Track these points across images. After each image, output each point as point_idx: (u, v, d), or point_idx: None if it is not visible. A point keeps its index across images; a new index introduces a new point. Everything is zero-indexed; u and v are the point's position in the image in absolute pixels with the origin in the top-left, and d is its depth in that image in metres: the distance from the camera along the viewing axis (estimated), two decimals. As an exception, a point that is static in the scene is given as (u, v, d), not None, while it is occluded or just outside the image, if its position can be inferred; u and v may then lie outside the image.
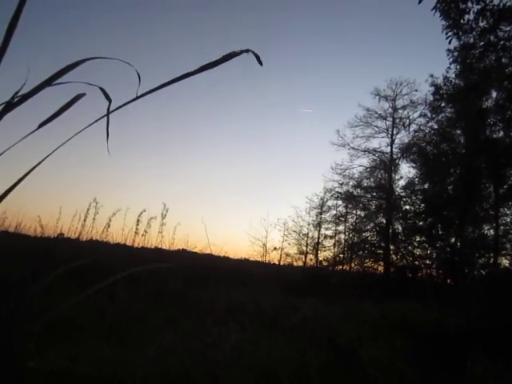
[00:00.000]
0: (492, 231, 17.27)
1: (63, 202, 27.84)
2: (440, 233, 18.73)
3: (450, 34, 11.96)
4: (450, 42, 11.96)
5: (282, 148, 38.73)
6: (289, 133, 37.23)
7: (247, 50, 0.89)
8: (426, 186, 19.76)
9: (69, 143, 1.09)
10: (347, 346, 4.56)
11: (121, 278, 1.28)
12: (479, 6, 10.89)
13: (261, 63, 0.90)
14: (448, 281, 17.33)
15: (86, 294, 1.14)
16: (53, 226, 9.47)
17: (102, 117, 1.09)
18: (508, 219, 17.14)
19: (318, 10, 34.76)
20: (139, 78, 1.10)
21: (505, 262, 17.10)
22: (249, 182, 38.60)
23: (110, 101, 1.11)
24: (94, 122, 1.05)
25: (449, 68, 17.28)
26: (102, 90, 1.11)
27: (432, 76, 18.04)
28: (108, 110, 1.11)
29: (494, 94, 16.51)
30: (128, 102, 1.04)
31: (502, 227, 17.03)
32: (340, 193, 22.08)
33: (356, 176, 21.99)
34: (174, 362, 3.44)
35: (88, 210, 9.33)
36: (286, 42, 36.74)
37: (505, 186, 16.63)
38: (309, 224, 22.46)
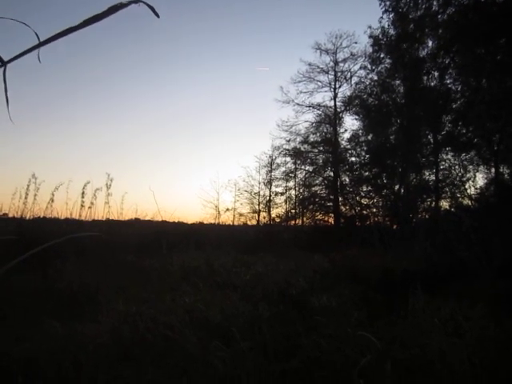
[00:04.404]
0: (432, 176, 18.11)
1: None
2: (385, 181, 19.47)
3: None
4: None
5: (230, 108, 38.03)
6: (238, 92, 36.47)
7: (137, 1, 0.78)
8: (369, 137, 20.29)
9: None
10: (298, 297, 4.74)
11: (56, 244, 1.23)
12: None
13: (157, 15, 0.82)
14: (394, 226, 18.20)
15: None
16: (-9, 206, 9.01)
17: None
18: (447, 164, 17.96)
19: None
20: (38, 39, 1.01)
21: (445, 204, 18.11)
22: (197, 146, 37.91)
23: (4, 65, 1.01)
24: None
25: (382, 18, 17.52)
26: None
27: (370, 27, 18.20)
28: (4, 73, 1.02)
29: (430, 43, 16.99)
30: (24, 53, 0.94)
31: (441, 172, 17.86)
32: (288, 149, 22.27)
33: (302, 132, 22.17)
34: (128, 330, 3.44)
35: (28, 186, 8.89)
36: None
37: (442, 133, 17.34)
38: (259, 183, 22.63)
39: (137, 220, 12.33)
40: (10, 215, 9.25)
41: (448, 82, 16.89)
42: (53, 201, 9.02)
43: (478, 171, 17.35)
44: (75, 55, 33.84)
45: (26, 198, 8.88)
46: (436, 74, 17.11)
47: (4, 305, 4.32)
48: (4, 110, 1.09)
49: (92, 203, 9.33)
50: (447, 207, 17.99)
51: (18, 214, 8.94)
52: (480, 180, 17.49)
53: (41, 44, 0.83)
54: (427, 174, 18.45)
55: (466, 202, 17.26)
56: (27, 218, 9.07)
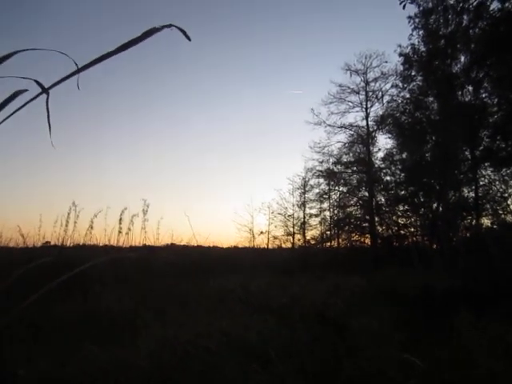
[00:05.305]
0: (472, 193, 17.50)
1: (42, 208, 27.32)
2: (422, 200, 18.94)
3: (403, -2, 11.65)
4: (404, 7, 11.66)
5: (262, 133, 38.34)
6: (267, 115, 36.86)
7: (170, 25, 0.83)
8: (404, 155, 19.84)
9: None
10: (336, 319, 4.63)
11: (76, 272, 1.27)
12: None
13: (188, 38, 0.86)
14: (434, 246, 17.63)
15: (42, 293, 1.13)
16: (35, 234, 9.35)
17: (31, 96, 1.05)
18: (486, 180, 17.34)
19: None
20: (77, 67, 1.06)
21: (486, 221, 17.43)
22: (230, 169, 38.24)
23: (47, 93, 1.07)
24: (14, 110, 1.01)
25: (411, 35, 17.43)
26: (37, 82, 1.07)
27: (400, 46, 18.11)
28: (47, 102, 1.08)
29: (462, 59, 16.74)
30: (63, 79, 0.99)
31: (481, 188, 17.25)
32: (321, 171, 22.13)
33: (335, 153, 22.02)
34: (166, 354, 3.45)
35: (69, 214, 9.22)
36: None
37: (480, 148, 16.83)
38: (293, 205, 22.50)
39: (172, 245, 12.49)
40: (52, 243, 9.58)
41: (483, 95, 16.50)
42: (92, 228, 9.32)
43: (520, 186, 16.67)
44: (113, 83, 35.33)
45: (66, 225, 9.20)
46: (470, 88, 16.75)
47: (47, 330, 4.44)
48: (46, 137, 1.15)
49: (129, 229, 9.57)
50: (489, 224, 17.34)
51: (60, 241, 9.25)
52: (523, 195, 16.75)
53: (79, 70, 0.88)
54: (466, 190, 17.83)
55: (509, 218, 16.59)
56: (68, 245, 9.36)
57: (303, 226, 22.10)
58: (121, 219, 9.43)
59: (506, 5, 11.06)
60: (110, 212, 9.65)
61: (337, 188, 22.18)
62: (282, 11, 33.83)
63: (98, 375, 3.18)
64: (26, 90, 1.14)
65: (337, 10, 32.71)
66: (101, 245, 9.91)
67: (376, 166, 21.33)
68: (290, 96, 35.37)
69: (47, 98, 1.07)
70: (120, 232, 9.46)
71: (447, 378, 2.58)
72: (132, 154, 34.31)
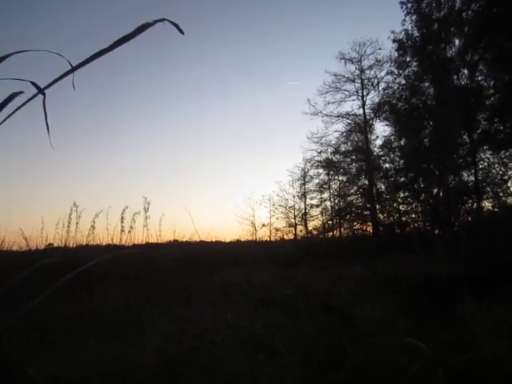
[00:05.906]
0: (472, 177, 17.48)
1: (44, 211, 27.37)
2: (422, 186, 18.96)
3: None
4: None
5: (261, 126, 38.27)
6: (266, 108, 36.82)
7: (162, 20, 0.83)
8: (402, 142, 19.82)
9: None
10: (341, 308, 4.66)
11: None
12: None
13: (182, 32, 0.86)
14: (435, 231, 17.65)
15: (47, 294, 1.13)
16: (37, 236, 9.33)
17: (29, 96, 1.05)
18: (486, 163, 17.34)
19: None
20: (72, 66, 1.06)
21: (487, 205, 17.46)
22: (230, 164, 38.25)
23: (43, 94, 1.07)
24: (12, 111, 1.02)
25: (404, 20, 17.39)
26: (33, 83, 1.08)
27: (393, 32, 18.11)
28: (44, 104, 1.08)
29: (456, 42, 16.68)
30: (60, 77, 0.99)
31: (480, 172, 17.23)
32: (320, 161, 22.13)
33: (333, 142, 22.01)
34: (173, 349, 3.47)
35: (70, 215, 9.20)
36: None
37: (478, 131, 16.79)
38: (294, 196, 22.56)
39: (175, 241, 12.48)
40: (55, 245, 9.57)
41: (479, 78, 16.50)
42: (94, 228, 9.31)
43: (519, 168, 16.66)
44: (111, 83, 35.31)
45: (68, 226, 9.19)
46: (465, 71, 16.73)
47: (53, 331, 4.46)
48: (45, 139, 1.16)
49: (131, 227, 9.57)
50: (490, 207, 17.37)
51: (62, 242, 9.24)
52: (523, 176, 16.74)
53: (74, 69, 0.88)
54: (466, 174, 17.85)
55: (510, 200, 16.60)
56: (70, 246, 9.35)
57: (304, 216, 22.17)
58: (122, 218, 9.44)
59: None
60: (111, 211, 9.65)
61: (336, 177, 22.26)
62: (277, 4, 33.66)
63: (106, 372, 3.21)
64: (22, 92, 1.14)
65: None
66: (104, 244, 9.91)
67: (375, 153, 21.38)
68: (288, 88, 35.37)
69: (44, 99, 1.07)
70: (122, 231, 9.47)
71: (452, 361, 2.60)
72: (131, 153, 34.36)
